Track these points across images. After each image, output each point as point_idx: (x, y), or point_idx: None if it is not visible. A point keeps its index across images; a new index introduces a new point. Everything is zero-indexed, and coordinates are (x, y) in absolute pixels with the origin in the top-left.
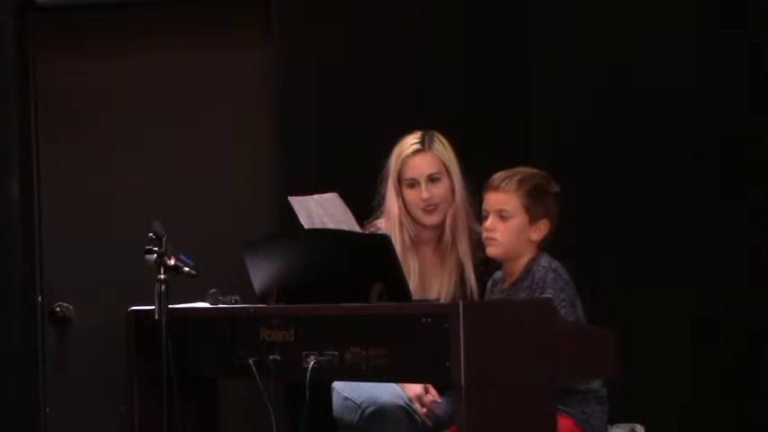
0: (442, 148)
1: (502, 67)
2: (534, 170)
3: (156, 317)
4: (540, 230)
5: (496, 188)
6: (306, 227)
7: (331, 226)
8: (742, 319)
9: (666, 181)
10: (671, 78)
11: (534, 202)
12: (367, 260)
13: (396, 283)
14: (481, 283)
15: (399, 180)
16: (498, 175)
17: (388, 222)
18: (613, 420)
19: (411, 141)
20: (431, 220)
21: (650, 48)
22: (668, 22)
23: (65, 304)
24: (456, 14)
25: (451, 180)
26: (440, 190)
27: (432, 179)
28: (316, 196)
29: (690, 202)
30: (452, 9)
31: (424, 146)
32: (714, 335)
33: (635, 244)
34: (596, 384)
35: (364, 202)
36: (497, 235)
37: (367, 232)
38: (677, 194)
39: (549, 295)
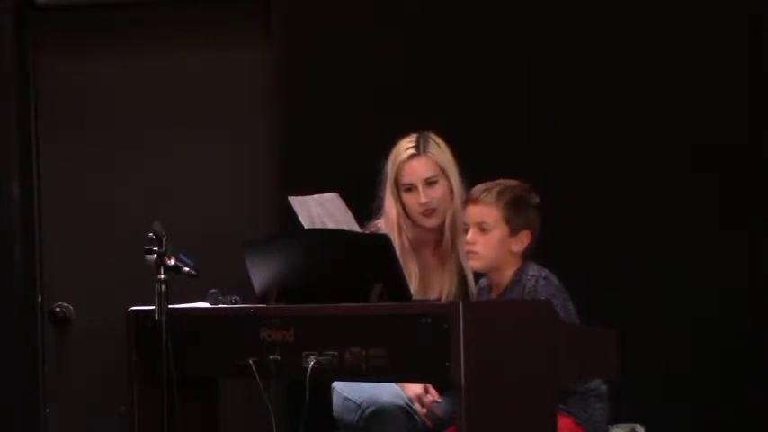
0: (438, 150)
1: (502, 67)
2: (514, 182)
3: (156, 317)
4: (522, 242)
5: (476, 201)
6: (306, 227)
7: (331, 226)
8: (742, 319)
9: (666, 181)
10: (671, 79)
11: (514, 213)
12: (367, 260)
13: (396, 283)
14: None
15: (397, 185)
16: (477, 188)
17: (387, 226)
18: (613, 420)
19: (406, 146)
20: (430, 223)
21: (650, 48)
22: (668, 21)
23: (65, 304)
24: (456, 14)
25: (449, 181)
26: (437, 193)
27: (428, 183)
28: (316, 196)
29: (690, 203)
30: (452, 9)
31: (419, 150)
32: (714, 335)
33: (635, 244)
34: (595, 382)
35: (364, 203)
36: (478, 248)
37: (367, 232)
38: (677, 194)
39: None
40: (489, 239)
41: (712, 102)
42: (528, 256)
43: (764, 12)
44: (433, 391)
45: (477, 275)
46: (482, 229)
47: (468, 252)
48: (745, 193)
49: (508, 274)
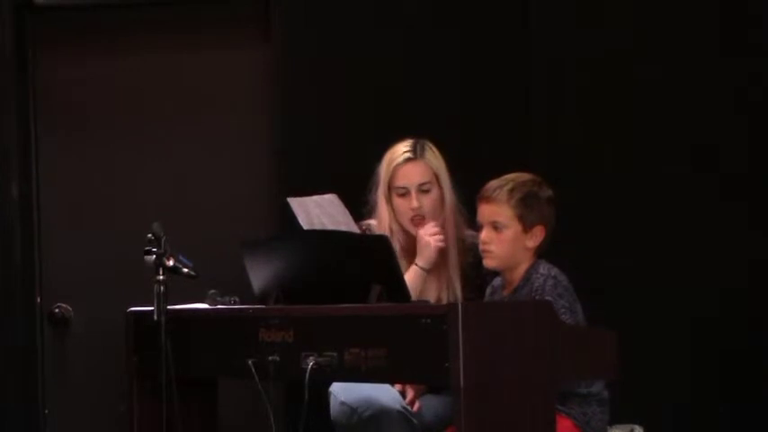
0: (433, 157)
1: (502, 67)
2: (526, 176)
3: (155, 317)
4: (536, 237)
5: (488, 199)
6: (305, 228)
7: (330, 227)
8: (742, 319)
9: (666, 181)
10: (671, 78)
11: (526, 210)
12: (366, 260)
13: (395, 283)
14: (472, 287)
15: (390, 188)
16: (489, 186)
17: (380, 229)
18: (613, 421)
19: (402, 149)
20: (418, 230)
21: (651, 47)
22: (668, 21)
23: (64, 305)
24: (456, 14)
25: (441, 189)
26: (429, 200)
27: (422, 189)
28: (315, 197)
29: (690, 202)
30: (452, 9)
31: (416, 154)
32: (714, 335)
33: (635, 244)
34: (597, 387)
35: (363, 203)
36: (493, 247)
37: (368, 233)
38: (677, 194)
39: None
40: (503, 238)
41: (712, 101)
42: (542, 251)
43: (764, 11)
44: (409, 397)
45: (484, 272)
46: (495, 227)
47: (483, 251)
48: (746, 193)
49: (521, 271)
